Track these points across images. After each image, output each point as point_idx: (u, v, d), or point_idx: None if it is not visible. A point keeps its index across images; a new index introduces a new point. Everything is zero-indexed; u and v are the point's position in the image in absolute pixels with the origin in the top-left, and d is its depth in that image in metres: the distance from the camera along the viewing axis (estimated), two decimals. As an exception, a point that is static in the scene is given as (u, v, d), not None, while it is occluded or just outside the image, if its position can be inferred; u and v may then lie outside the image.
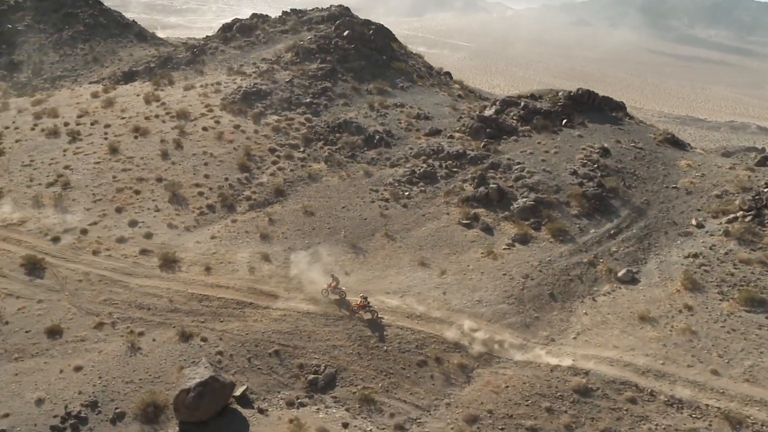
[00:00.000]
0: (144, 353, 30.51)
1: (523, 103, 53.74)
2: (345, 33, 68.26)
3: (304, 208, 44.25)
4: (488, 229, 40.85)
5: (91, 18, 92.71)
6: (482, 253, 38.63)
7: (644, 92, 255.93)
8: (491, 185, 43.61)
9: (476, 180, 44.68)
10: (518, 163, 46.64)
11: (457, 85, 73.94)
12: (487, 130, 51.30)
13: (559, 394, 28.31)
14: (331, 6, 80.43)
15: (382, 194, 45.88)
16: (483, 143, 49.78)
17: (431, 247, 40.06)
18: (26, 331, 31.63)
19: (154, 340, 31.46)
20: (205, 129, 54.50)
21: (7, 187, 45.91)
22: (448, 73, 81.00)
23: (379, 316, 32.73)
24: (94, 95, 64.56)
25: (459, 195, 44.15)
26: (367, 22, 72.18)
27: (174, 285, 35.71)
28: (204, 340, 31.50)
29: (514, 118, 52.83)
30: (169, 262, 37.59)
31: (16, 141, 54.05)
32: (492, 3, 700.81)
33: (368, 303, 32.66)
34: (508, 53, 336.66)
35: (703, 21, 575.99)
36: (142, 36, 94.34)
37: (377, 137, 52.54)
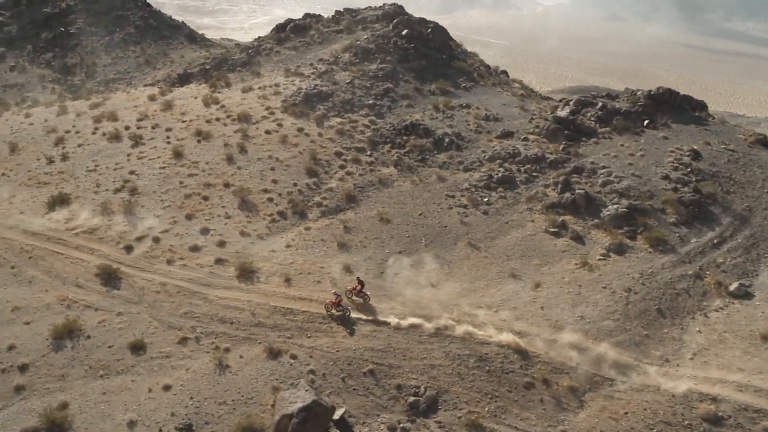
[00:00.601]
0: (233, 371, 28.92)
1: (600, 104, 51.14)
2: (403, 32, 66.29)
3: (379, 215, 42.40)
4: (579, 238, 38.48)
5: (142, 20, 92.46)
6: (576, 264, 36.30)
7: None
8: (578, 191, 41.20)
9: (560, 185, 42.31)
10: (603, 167, 44.12)
11: (517, 85, 71.50)
12: (565, 132, 48.86)
13: (686, 422, 25.92)
14: (384, 4, 78.59)
15: (460, 200, 43.79)
16: (562, 146, 47.38)
17: (519, 257, 37.84)
18: (109, 346, 30.34)
19: (241, 357, 29.87)
20: (268, 132, 53.05)
21: (75, 193, 45.02)
22: (504, 72, 78.56)
23: (349, 314, 32.35)
24: (151, 98, 63.69)
25: (542, 201, 41.85)
26: (424, 21, 70.11)
27: (255, 297, 34.14)
28: (293, 357, 29.79)
29: (592, 119, 50.27)
30: (246, 273, 36.09)
31: (79, 145, 53.34)
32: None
33: (340, 301, 32.41)
34: (540, 50, 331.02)
35: (739, 13, 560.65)
36: (192, 38, 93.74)
37: (447, 140, 50.47)
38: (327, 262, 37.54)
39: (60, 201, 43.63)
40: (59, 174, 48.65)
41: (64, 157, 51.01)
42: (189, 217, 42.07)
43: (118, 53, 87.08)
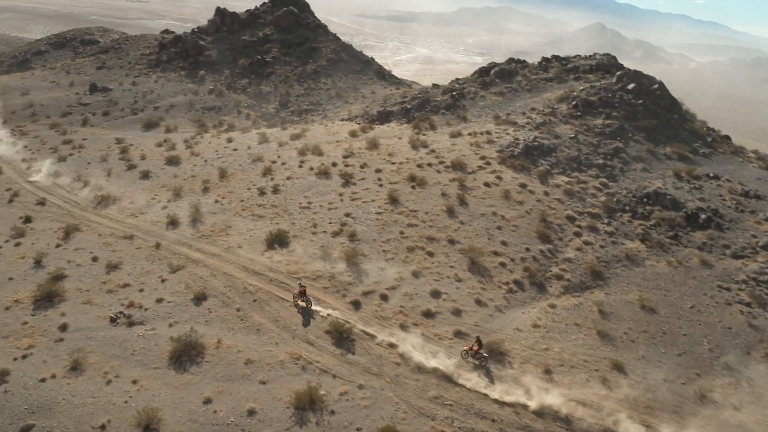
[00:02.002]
0: (511, 492, 23.42)
1: None
2: (630, 86, 59.74)
3: (640, 300, 35.79)
4: None
5: (334, 53, 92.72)
6: None
7: None
8: None
9: None
10: None
11: (752, 154, 62.24)
12: None
13: None
14: (595, 53, 72.63)
15: (738, 295, 36.20)
16: None
17: None
18: (357, 429, 25.93)
19: (515, 471, 24.35)
20: (487, 185, 48.33)
21: (292, 232, 42.36)
22: (727, 137, 69.28)
23: (312, 308, 33.31)
24: (353, 134, 61.51)
25: None
26: (649, 76, 63.16)
27: (513, 390, 28.67)
28: (582, 484, 23.82)
29: None
30: (495, 354, 30.84)
31: (288, 178, 51.47)
32: (673, 54, 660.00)
33: (305, 291, 33.62)
34: (692, 108, 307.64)
35: None
36: (381, 74, 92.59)
37: (703, 216, 43.04)
38: (590, 356, 31.45)
39: (278, 239, 41.10)
40: (272, 207, 46.56)
41: (275, 190, 49.12)
42: (416, 274, 37.76)
43: (310, 84, 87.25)
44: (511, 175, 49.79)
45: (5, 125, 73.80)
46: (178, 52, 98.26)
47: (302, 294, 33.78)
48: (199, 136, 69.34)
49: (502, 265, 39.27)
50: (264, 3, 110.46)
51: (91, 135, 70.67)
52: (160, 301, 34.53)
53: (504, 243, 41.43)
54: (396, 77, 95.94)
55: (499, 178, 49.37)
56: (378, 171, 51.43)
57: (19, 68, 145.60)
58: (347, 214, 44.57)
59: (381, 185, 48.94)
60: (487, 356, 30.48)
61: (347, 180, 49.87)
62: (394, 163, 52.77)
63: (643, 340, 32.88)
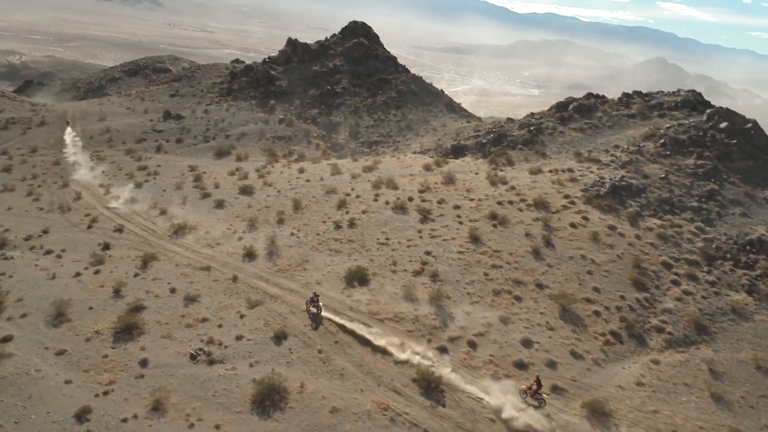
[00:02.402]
0: None
1: None
2: (722, 125, 56.53)
3: (754, 360, 32.71)
4: None
5: (404, 85, 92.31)
6: None
7: None
8: None
9: None
10: None
11: None
12: None
13: None
14: (679, 90, 69.60)
15: None
16: None
17: None
18: (454, 494, 23.78)
19: None
20: (573, 226, 45.92)
21: (372, 269, 40.86)
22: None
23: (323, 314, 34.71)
24: (427, 168, 60.13)
25: None
26: (742, 115, 59.77)
27: (624, 458, 26.06)
28: None
29: None
30: (598, 415, 28.29)
31: (363, 212, 50.26)
32: (738, 90, 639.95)
33: (317, 299, 35.24)
34: None
35: None
36: (451, 107, 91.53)
37: (816, 268, 39.51)
38: (705, 421, 28.53)
39: (358, 276, 39.68)
40: (349, 242, 45.30)
41: (352, 224, 47.93)
42: (504, 320, 35.60)
43: (379, 115, 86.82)
44: (598, 216, 47.27)
45: (84, 150, 75.62)
46: (249, 82, 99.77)
47: (314, 301, 35.47)
48: (270, 165, 69.26)
49: (596, 313, 36.72)
50: (334, 35, 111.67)
51: (165, 162, 71.56)
52: (239, 338, 33.41)
53: (596, 289, 38.88)
54: (465, 110, 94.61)
55: (585, 218, 46.91)
56: (456, 207, 49.73)
57: (94, 94, 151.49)
58: (427, 252, 42.88)
59: (461, 222, 47.18)
60: (546, 397, 28.70)
61: (425, 216, 48.31)
62: (472, 200, 51.01)
63: (764, 407, 29.75)
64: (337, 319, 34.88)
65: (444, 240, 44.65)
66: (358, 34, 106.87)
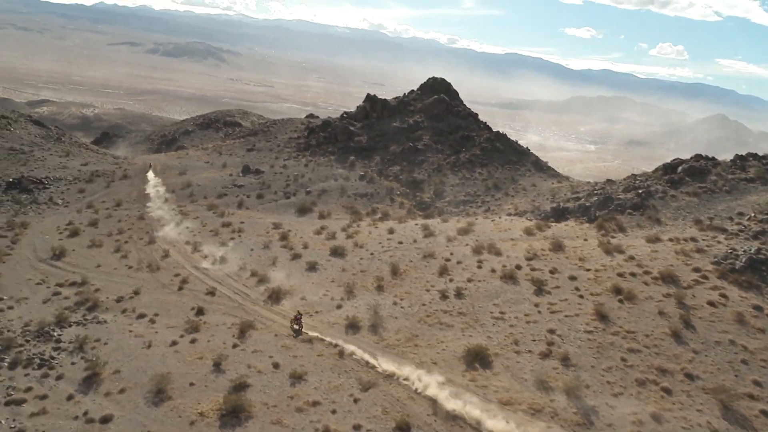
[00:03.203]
0: None
1: None
2: None
3: None
4: None
5: (488, 142, 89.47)
6: None
7: None
8: None
9: None
10: None
11: None
12: None
13: None
14: (798, 152, 64.09)
15: None
16: None
17: None
18: None
19: None
20: (712, 304, 40.84)
21: (491, 348, 36.75)
22: None
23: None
24: (528, 232, 56.20)
25: None
26: None
27: None
28: None
29: None
30: None
31: (469, 281, 46.55)
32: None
33: (300, 318, 40.44)
34: None
35: None
36: (539, 165, 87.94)
37: None
38: None
39: (478, 357, 35.65)
40: (460, 315, 41.46)
41: (459, 294, 44.19)
42: (656, 417, 30.77)
43: (464, 174, 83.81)
44: (738, 294, 42.07)
45: (166, 203, 74.92)
46: (327, 137, 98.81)
47: (297, 319, 40.41)
48: (356, 224, 66.64)
49: (765, 413, 31.46)
50: (412, 91, 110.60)
51: (248, 218, 69.90)
52: (357, 428, 29.76)
53: (757, 383, 33.63)
54: (553, 169, 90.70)
55: (723, 296, 41.78)
56: (572, 278, 45.43)
57: (168, 146, 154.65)
58: (551, 330, 38.57)
59: (581, 296, 42.78)
60: None
61: (539, 287, 44.19)
62: (588, 270, 46.62)
63: None
64: (468, 410, 30.72)
65: (566, 316, 40.29)
66: (438, 90, 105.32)
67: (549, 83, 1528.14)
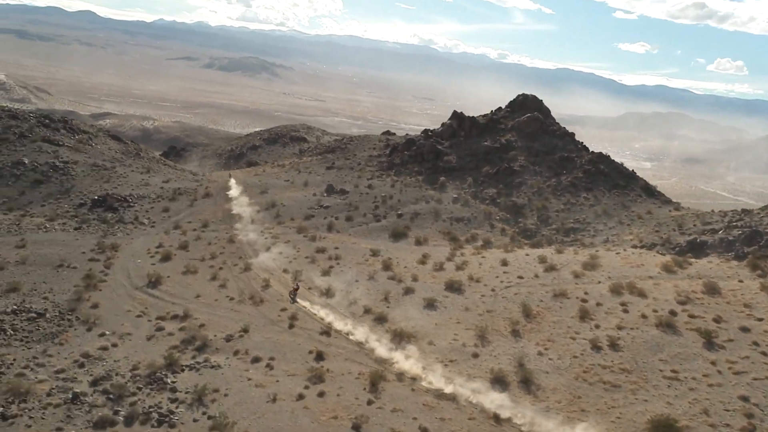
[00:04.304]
0: None
1: None
2: None
3: None
4: None
5: (591, 164, 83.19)
6: None
7: None
8: None
9: None
10: None
11: None
12: None
13: None
14: None
15: None
16: None
17: None
18: None
19: None
20: None
21: (680, 420, 30.76)
22: None
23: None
24: (667, 269, 49.88)
25: None
26: None
27: None
28: None
29: None
30: None
31: (619, 328, 40.82)
32: None
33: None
34: None
35: None
36: (649, 190, 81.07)
37: None
38: None
39: (668, 431, 29.72)
40: (623, 373, 35.72)
41: (613, 345, 38.44)
42: None
43: (568, 198, 77.71)
44: None
45: (253, 224, 71.28)
46: (412, 156, 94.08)
47: (295, 291, 48.32)
48: (459, 252, 61.37)
49: None
50: (500, 108, 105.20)
51: (341, 243, 65.46)
52: None
53: None
54: (664, 195, 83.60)
55: None
56: (744, 330, 39.07)
57: (236, 161, 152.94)
58: (743, 398, 32.40)
59: (764, 353, 36.38)
60: None
61: (708, 339, 37.97)
62: (760, 320, 40.12)
63: None
64: None
65: (755, 379, 34.02)
66: (529, 108, 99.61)
67: (601, 99, 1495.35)
